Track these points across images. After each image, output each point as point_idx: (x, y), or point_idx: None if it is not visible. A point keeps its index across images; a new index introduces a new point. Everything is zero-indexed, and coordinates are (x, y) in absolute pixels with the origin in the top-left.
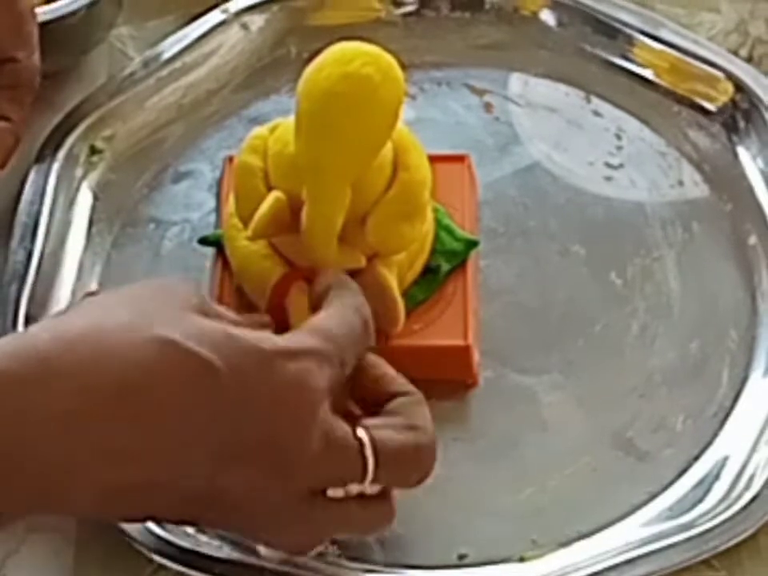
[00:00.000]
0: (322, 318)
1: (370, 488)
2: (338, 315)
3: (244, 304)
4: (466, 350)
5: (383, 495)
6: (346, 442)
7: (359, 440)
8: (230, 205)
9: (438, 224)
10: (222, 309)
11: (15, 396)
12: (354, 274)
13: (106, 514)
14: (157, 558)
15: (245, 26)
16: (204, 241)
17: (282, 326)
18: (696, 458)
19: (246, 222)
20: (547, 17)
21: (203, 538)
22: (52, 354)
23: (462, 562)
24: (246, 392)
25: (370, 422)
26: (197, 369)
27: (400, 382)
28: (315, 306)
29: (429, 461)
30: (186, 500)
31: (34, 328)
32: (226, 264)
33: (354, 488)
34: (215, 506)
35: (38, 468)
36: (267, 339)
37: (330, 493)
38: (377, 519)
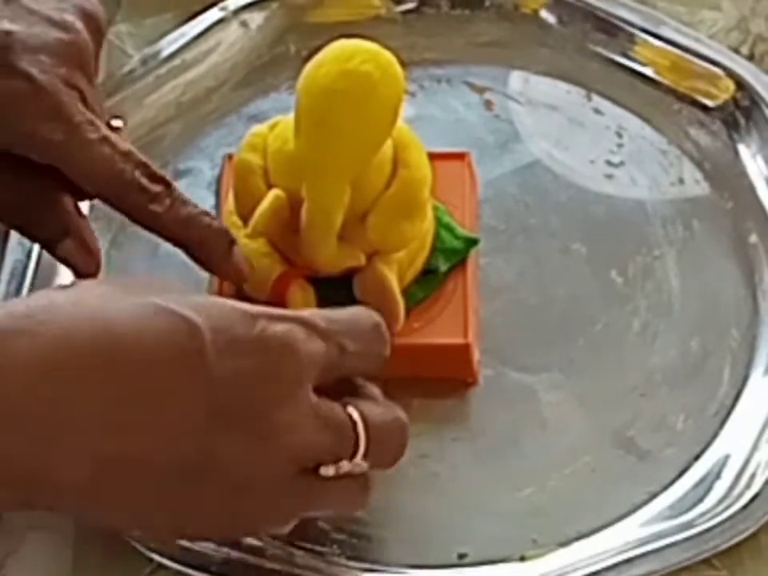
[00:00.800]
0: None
1: (358, 467)
2: (344, 309)
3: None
4: (465, 349)
5: (364, 475)
6: (338, 417)
7: (350, 416)
8: (230, 203)
9: (438, 222)
10: None
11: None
12: (353, 272)
13: (100, 493)
14: (156, 557)
15: (244, 24)
16: None
17: None
18: (697, 457)
19: (245, 220)
20: (547, 14)
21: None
22: (38, 311)
23: (461, 562)
24: (230, 352)
25: (353, 399)
26: (179, 328)
27: None
28: None
29: (406, 437)
30: (177, 473)
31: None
32: None
33: (345, 466)
34: (207, 479)
35: (25, 426)
36: (252, 305)
37: (323, 471)
38: (357, 498)
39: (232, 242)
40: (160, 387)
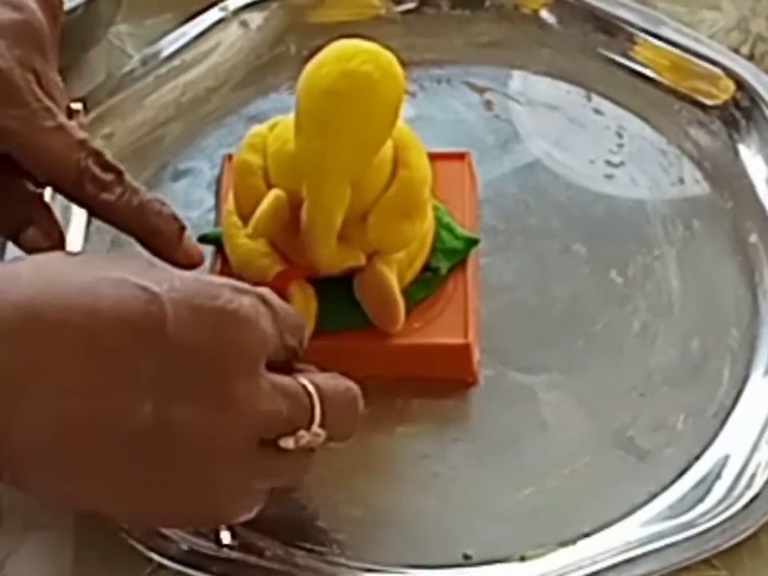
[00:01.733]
0: None
1: (316, 436)
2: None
3: None
4: (466, 349)
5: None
6: (293, 386)
7: (303, 386)
8: (230, 203)
9: (439, 222)
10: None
11: None
12: (354, 272)
13: (63, 456)
14: (156, 557)
15: (244, 24)
16: (203, 239)
17: None
18: (697, 458)
19: (245, 220)
20: (548, 14)
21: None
22: (2, 280)
23: (463, 562)
24: (192, 322)
25: (304, 373)
26: (138, 296)
27: None
28: None
29: (360, 406)
30: (138, 441)
31: None
32: (225, 262)
33: (305, 436)
34: (167, 450)
35: None
36: (215, 278)
37: (282, 443)
38: (302, 468)
39: (182, 228)
40: (119, 351)
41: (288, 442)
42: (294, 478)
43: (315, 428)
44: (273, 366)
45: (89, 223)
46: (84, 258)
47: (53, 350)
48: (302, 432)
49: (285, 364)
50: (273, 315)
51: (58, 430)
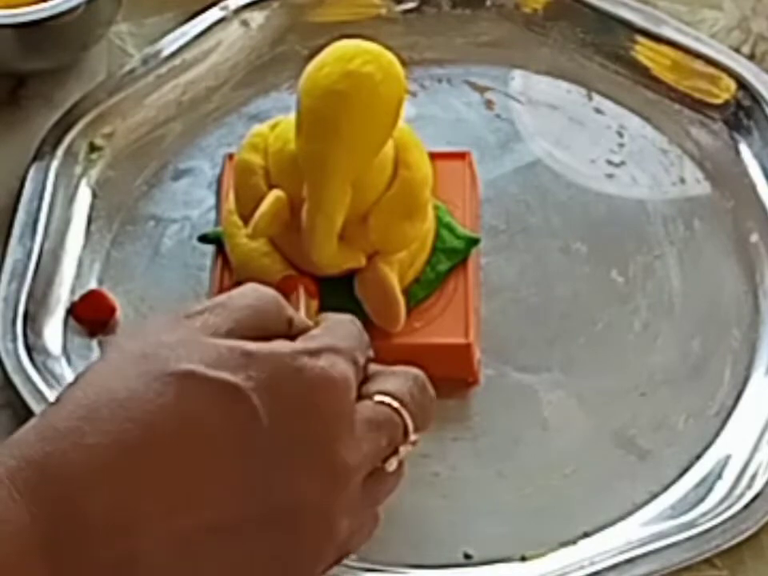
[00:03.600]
0: (323, 327)
1: (412, 443)
2: (336, 323)
3: None
4: (466, 348)
5: None
6: (382, 413)
7: (389, 405)
8: (230, 202)
9: (439, 222)
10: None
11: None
12: (354, 272)
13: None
14: None
15: (244, 23)
16: (204, 238)
17: None
18: (698, 457)
19: (246, 220)
20: (549, 14)
21: None
22: (72, 425)
23: (464, 562)
24: (281, 403)
25: (371, 385)
26: (223, 395)
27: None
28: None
29: (430, 389)
30: (255, 535)
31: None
32: (225, 262)
33: (404, 450)
34: (288, 530)
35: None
36: (283, 345)
37: (388, 467)
38: (402, 472)
39: None
40: (222, 460)
41: (392, 464)
42: (397, 484)
43: (411, 437)
44: None
45: (89, 223)
46: (128, 357)
47: (150, 485)
48: (401, 448)
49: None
50: (346, 359)
51: (181, 550)
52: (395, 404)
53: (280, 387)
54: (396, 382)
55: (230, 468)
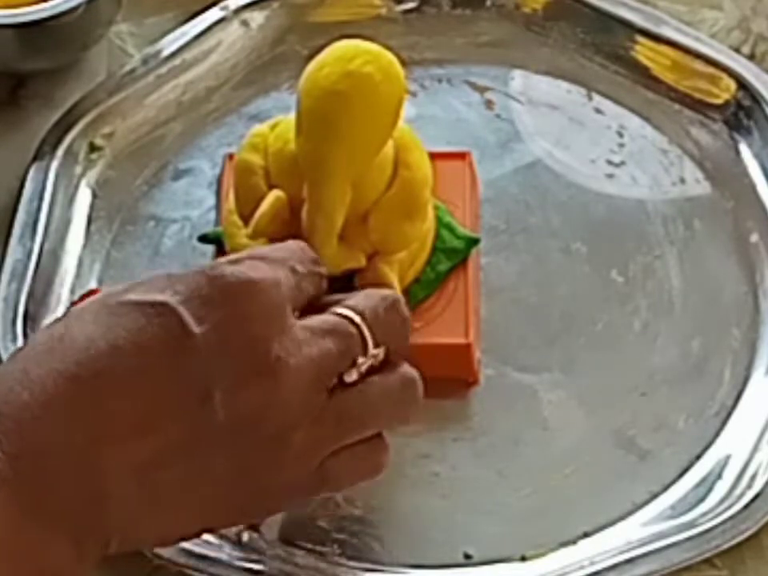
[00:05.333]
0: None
1: (374, 357)
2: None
3: None
4: (466, 348)
5: (392, 365)
6: (331, 321)
7: (341, 315)
8: (230, 202)
9: (439, 222)
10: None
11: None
12: (355, 272)
13: (156, 496)
14: (156, 557)
15: (245, 23)
16: (204, 238)
17: None
18: (698, 457)
19: (246, 220)
20: (549, 14)
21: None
22: (19, 366)
23: (464, 562)
24: (208, 312)
25: (338, 304)
26: (153, 315)
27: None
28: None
29: (404, 309)
30: (217, 445)
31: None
32: None
33: (363, 362)
34: (245, 436)
35: (64, 462)
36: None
37: (347, 378)
38: (408, 397)
39: None
40: (162, 380)
41: (351, 375)
42: (382, 419)
43: (371, 350)
44: (309, 310)
45: (89, 223)
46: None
47: (105, 414)
48: (360, 359)
49: (316, 301)
50: (273, 265)
51: (139, 476)
52: (350, 314)
53: (201, 295)
54: (360, 298)
55: (171, 381)
